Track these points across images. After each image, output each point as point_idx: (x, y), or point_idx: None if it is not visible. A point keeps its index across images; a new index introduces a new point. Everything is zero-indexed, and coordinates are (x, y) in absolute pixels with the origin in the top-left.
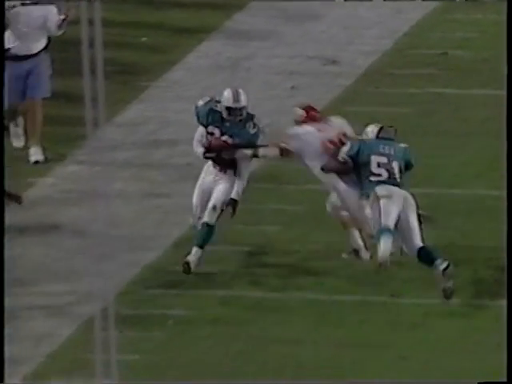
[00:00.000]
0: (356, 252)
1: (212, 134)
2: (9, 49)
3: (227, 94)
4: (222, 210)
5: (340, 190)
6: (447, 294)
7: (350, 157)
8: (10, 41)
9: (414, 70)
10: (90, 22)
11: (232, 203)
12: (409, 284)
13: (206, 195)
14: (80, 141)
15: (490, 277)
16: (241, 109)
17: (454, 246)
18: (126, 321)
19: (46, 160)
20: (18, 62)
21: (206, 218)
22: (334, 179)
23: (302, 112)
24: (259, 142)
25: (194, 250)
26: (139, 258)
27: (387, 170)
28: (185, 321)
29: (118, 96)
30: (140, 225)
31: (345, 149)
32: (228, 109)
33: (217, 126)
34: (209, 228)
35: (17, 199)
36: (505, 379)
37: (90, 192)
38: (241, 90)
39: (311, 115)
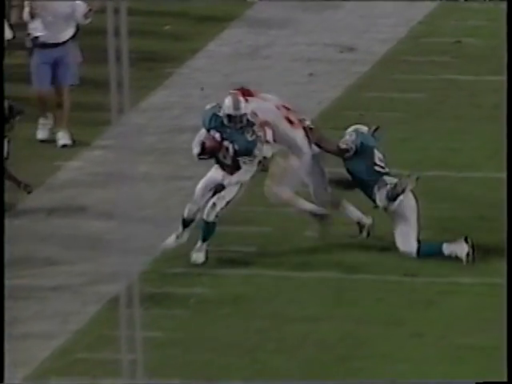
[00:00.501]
0: (359, 224)
1: (213, 137)
2: (37, 37)
3: (228, 102)
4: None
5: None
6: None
7: (356, 146)
8: (38, 30)
9: (428, 57)
10: (116, 11)
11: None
12: (423, 263)
13: (209, 189)
14: (106, 126)
15: (503, 256)
16: (241, 116)
17: (467, 227)
18: (150, 299)
19: (74, 144)
20: (46, 49)
21: (204, 215)
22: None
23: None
24: (256, 150)
25: (199, 243)
26: (163, 238)
27: (385, 165)
28: (206, 299)
29: (143, 82)
30: (164, 206)
31: (351, 138)
32: (228, 116)
33: (218, 131)
34: (207, 224)
35: (25, 187)
36: (505, 379)
37: (116, 175)
38: (241, 98)
39: (246, 92)
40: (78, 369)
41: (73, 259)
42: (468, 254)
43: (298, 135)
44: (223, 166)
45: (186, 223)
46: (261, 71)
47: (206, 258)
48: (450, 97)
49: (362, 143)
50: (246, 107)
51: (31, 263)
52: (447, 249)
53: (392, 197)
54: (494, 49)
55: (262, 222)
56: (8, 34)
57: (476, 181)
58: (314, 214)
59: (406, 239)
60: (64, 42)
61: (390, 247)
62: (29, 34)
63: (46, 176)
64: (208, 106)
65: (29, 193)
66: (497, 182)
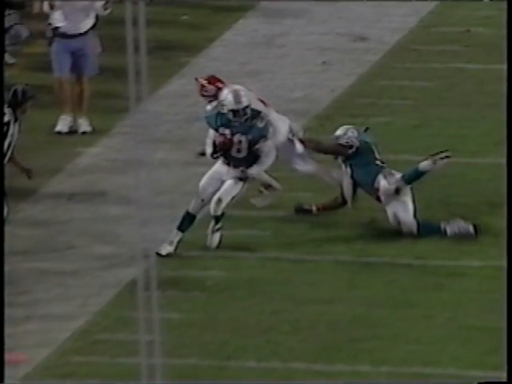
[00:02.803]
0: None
1: (224, 134)
2: (58, 28)
3: (229, 98)
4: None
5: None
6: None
7: (359, 141)
8: (58, 20)
9: (438, 47)
10: (134, 2)
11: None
12: (433, 247)
13: (214, 183)
14: (124, 113)
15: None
16: (244, 109)
17: (476, 211)
18: (167, 282)
19: (93, 131)
20: (66, 40)
21: (211, 211)
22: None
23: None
24: (270, 134)
25: (212, 224)
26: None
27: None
28: (222, 282)
29: (160, 71)
30: (180, 192)
31: (353, 134)
32: (232, 111)
33: (227, 127)
34: (215, 217)
35: (27, 172)
36: (505, 379)
37: (134, 161)
38: (242, 92)
39: (213, 81)
40: (97, 349)
41: (92, 243)
42: (475, 227)
43: (272, 114)
44: (233, 163)
45: (188, 217)
46: (275, 60)
47: (220, 241)
48: (459, 85)
49: (362, 139)
50: (247, 99)
51: (52, 247)
52: (449, 230)
53: (399, 191)
54: (502, 38)
55: (277, 206)
56: (24, 32)
57: (484, 166)
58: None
59: (407, 218)
60: (83, 33)
61: (402, 231)
62: (49, 24)
63: (66, 162)
64: (209, 107)
65: (29, 178)
66: (504, 168)
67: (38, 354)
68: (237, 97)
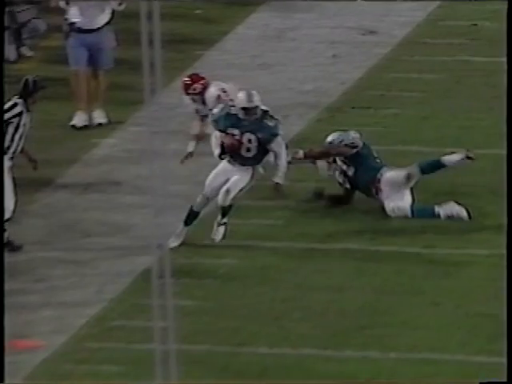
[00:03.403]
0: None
1: (233, 134)
2: (74, 23)
3: (241, 96)
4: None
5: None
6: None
7: (362, 142)
8: (74, 16)
9: (446, 40)
10: None
11: (278, 187)
12: (441, 236)
13: (220, 179)
14: (139, 105)
15: None
16: (255, 108)
17: (482, 201)
18: (181, 270)
19: (109, 122)
20: (81, 35)
21: (219, 200)
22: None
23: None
24: (280, 131)
25: (218, 218)
26: None
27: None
28: (235, 269)
29: (174, 64)
30: (194, 182)
31: (357, 135)
32: (244, 109)
33: (236, 127)
34: (223, 208)
35: (33, 163)
36: (505, 379)
37: (148, 151)
38: (254, 92)
39: (197, 79)
40: (113, 335)
41: (108, 232)
42: (468, 210)
43: None
44: (241, 161)
45: (192, 214)
46: (287, 53)
47: (225, 235)
48: (466, 77)
49: (362, 141)
50: (258, 98)
51: (68, 236)
52: (442, 212)
53: (410, 178)
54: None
55: (288, 196)
56: (42, 26)
57: (490, 157)
58: None
59: (402, 204)
60: (99, 28)
61: (410, 220)
62: (66, 19)
63: (82, 153)
64: (216, 110)
65: (34, 169)
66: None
67: (54, 340)
68: (249, 95)
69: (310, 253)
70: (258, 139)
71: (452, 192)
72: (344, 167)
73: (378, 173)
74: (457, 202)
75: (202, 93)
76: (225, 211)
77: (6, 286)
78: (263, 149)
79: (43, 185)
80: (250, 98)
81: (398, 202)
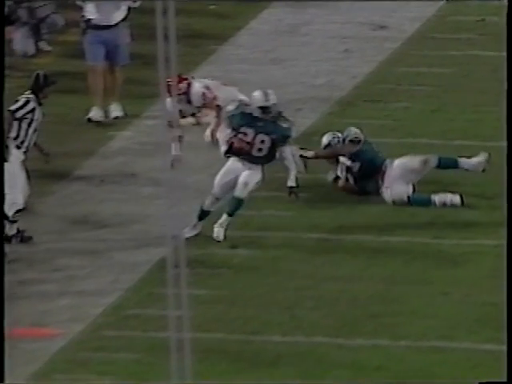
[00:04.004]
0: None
1: (245, 134)
2: (90, 19)
3: (258, 95)
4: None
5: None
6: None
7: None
8: (91, 13)
9: (455, 35)
10: None
11: (293, 190)
12: (449, 227)
13: (229, 178)
14: (155, 98)
15: None
16: (271, 107)
17: (490, 192)
18: (196, 259)
19: (125, 116)
20: (98, 31)
21: (236, 192)
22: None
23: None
24: (293, 134)
25: (224, 217)
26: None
27: None
28: (248, 260)
29: (189, 58)
30: (207, 173)
31: (358, 130)
32: (261, 108)
33: (250, 126)
34: (238, 201)
35: (46, 155)
36: (505, 379)
37: (163, 144)
38: (270, 90)
39: (181, 79)
40: (128, 324)
41: (124, 223)
42: (461, 197)
43: (235, 92)
44: (251, 160)
45: (203, 214)
46: (299, 48)
47: (225, 236)
48: (474, 71)
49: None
50: (274, 97)
51: (85, 226)
52: (437, 199)
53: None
54: None
55: (300, 188)
56: (60, 21)
57: (497, 150)
58: None
59: (401, 190)
60: (115, 25)
61: (420, 211)
62: (83, 16)
63: (99, 145)
64: (231, 107)
65: (47, 162)
66: None
67: (72, 328)
68: (266, 94)
69: (321, 243)
70: (272, 140)
71: (460, 183)
72: (348, 163)
73: (382, 165)
74: (451, 191)
75: (186, 92)
76: (238, 205)
77: (24, 276)
78: (274, 149)
79: (61, 177)
80: (266, 96)
81: (399, 187)
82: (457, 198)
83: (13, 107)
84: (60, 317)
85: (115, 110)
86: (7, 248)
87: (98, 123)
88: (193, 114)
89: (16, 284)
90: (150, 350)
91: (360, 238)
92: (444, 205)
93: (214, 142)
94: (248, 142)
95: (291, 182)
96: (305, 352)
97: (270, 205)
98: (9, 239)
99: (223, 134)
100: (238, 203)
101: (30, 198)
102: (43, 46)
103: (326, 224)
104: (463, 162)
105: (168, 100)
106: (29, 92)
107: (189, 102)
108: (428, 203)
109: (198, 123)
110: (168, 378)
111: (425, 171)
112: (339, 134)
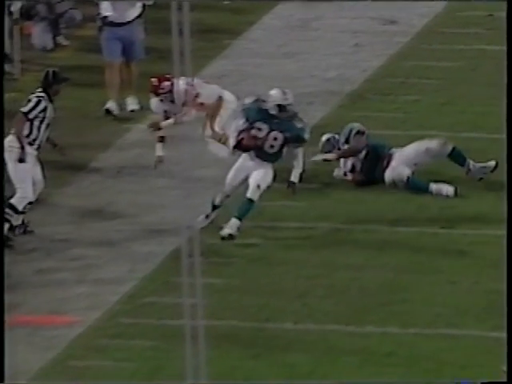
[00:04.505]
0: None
1: (260, 129)
2: (106, 17)
3: (276, 93)
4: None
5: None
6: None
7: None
8: (107, 10)
9: (463, 29)
10: None
11: (292, 185)
12: (457, 217)
13: (240, 177)
14: None
15: None
16: (288, 106)
17: (498, 183)
18: (210, 249)
19: (141, 109)
20: (114, 28)
21: (249, 195)
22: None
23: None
24: (306, 135)
25: (233, 220)
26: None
27: None
28: (261, 249)
29: (203, 52)
30: (220, 166)
31: (357, 124)
32: (278, 106)
33: (265, 122)
34: (251, 203)
35: (60, 150)
36: (505, 379)
37: (178, 137)
38: (288, 90)
39: (164, 79)
40: (144, 312)
41: (139, 213)
42: (456, 189)
43: (219, 89)
44: (261, 156)
45: (215, 208)
46: (310, 42)
47: (232, 236)
48: (482, 65)
49: None
50: (292, 97)
51: (102, 217)
52: (435, 188)
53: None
54: None
55: (311, 179)
56: (78, 16)
57: (505, 142)
58: None
59: (402, 171)
60: (130, 22)
61: (429, 203)
62: (99, 14)
63: (116, 137)
64: (248, 101)
65: (63, 155)
66: None
67: (89, 315)
68: (284, 93)
69: (332, 233)
70: (285, 138)
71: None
72: (360, 155)
73: (389, 151)
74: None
75: (171, 90)
76: (249, 208)
77: (43, 265)
78: (283, 148)
79: (78, 168)
80: (285, 95)
81: (402, 167)
82: (451, 190)
83: (25, 109)
84: (77, 304)
85: (131, 104)
86: (26, 238)
87: (114, 116)
88: (175, 114)
89: (35, 273)
90: (165, 337)
91: (370, 228)
92: (439, 194)
93: (216, 136)
94: (261, 138)
95: (294, 179)
96: (316, 339)
97: (282, 195)
98: (13, 229)
99: (232, 126)
100: (250, 205)
101: (48, 189)
102: (61, 40)
103: (337, 215)
104: (471, 163)
105: (152, 100)
106: (40, 90)
107: (172, 101)
108: (425, 190)
109: (177, 123)
110: (183, 364)
111: (438, 154)
112: (336, 136)
